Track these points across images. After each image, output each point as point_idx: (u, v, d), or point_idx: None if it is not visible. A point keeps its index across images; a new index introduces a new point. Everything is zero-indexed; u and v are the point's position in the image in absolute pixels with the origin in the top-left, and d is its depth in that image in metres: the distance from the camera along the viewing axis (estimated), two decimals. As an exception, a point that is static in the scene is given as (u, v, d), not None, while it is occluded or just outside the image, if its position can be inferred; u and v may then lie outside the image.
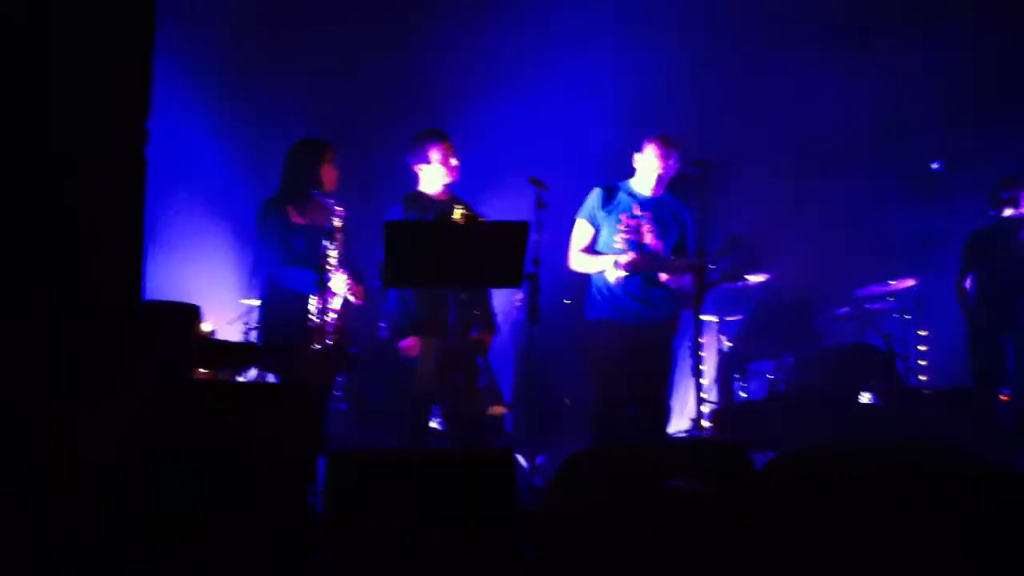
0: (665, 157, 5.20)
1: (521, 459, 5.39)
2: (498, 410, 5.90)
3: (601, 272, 5.22)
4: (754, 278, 7.00)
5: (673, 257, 5.23)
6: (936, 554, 2.85)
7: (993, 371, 6.00)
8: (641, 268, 5.10)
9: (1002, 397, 5.83)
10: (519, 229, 4.35)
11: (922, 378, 6.95)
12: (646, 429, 5.26)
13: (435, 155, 5.11)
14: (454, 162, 5.14)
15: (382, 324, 5.22)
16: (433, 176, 5.15)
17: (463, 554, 3.35)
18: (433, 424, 5.36)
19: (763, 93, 7.49)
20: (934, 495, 2.89)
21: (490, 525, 3.47)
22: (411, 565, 3.20)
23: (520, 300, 6.14)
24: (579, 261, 5.30)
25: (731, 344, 7.20)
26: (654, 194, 5.29)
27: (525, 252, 4.38)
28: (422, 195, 5.18)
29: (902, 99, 7.31)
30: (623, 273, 5.07)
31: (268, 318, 5.01)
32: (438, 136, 5.16)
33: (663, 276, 5.16)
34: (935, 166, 5.77)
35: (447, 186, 5.18)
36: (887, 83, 7.27)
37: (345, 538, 3.24)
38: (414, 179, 5.24)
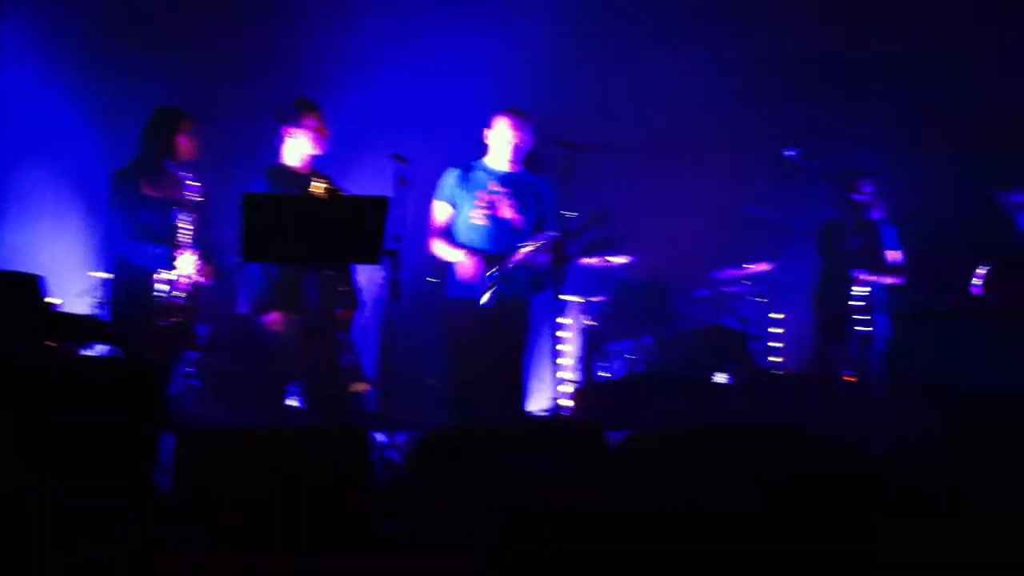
0: (518, 128, 5.24)
1: (381, 437, 5.35)
2: (360, 387, 5.84)
3: (462, 244, 5.24)
4: (617, 259, 7.11)
5: (524, 245, 5.23)
6: (778, 526, 2.97)
7: (839, 355, 6.22)
8: (485, 269, 5.13)
9: (846, 378, 6.05)
10: (379, 205, 4.30)
11: (775, 360, 7.16)
12: (505, 408, 5.29)
13: (309, 123, 5.05)
14: (325, 133, 5.07)
15: (241, 299, 5.11)
16: (300, 146, 5.07)
17: (315, 532, 3.31)
18: (292, 402, 5.27)
19: (632, 76, 7.57)
20: (777, 472, 3.00)
21: (343, 503, 3.43)
22: (259, 543, 3.14)
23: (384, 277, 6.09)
24: (437, 247, 5.32)
25: (593, 324, 7.29)
26: (511, 170, 5.32)
27: (384, 229, 4.33)
28: (285, 167, 5.08)
29: (766, 84, 7.47)
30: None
31: (116, 293, 4.87)
32: (312, 105, 5.10)
33: (519, 255, 5.17)
34: (790, 153, 5.91)
35: (311, 159, 5.09)
36: (751, 68, 7.41)
37: (192, 515, 3.17)
38: (276, 152, 5.13)
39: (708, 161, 7.38)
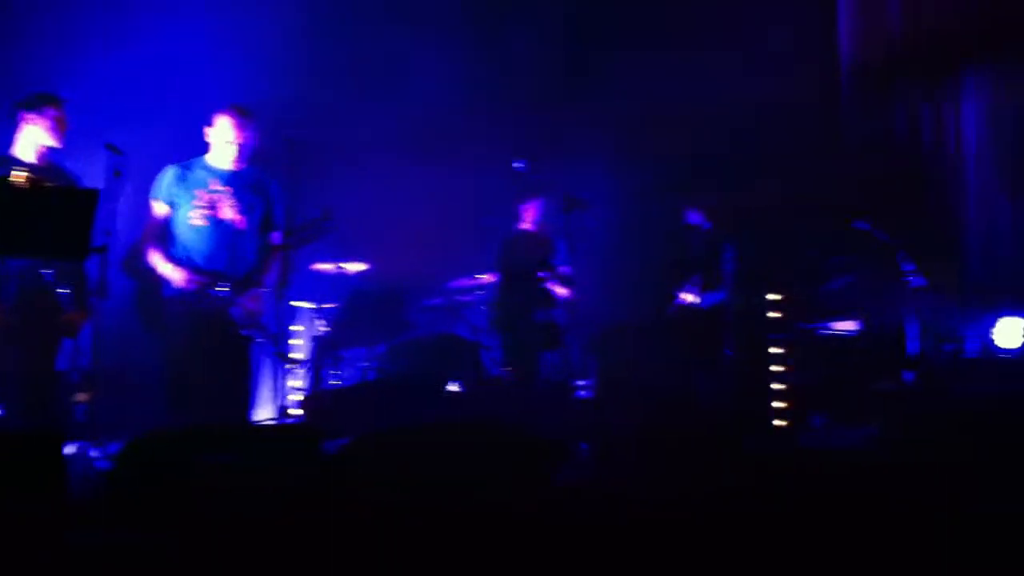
0: (241, 128, 5.09)
1: (92, 447, 5.06)
2: (83, 397, 5.51)
3: (181, 246, 5.03)
4: (351, 266, 7.05)
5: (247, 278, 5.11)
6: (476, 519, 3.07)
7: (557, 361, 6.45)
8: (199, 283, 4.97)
9: (564, 384, 6.25)
10: (87, 197, 4.07)
11: (508, 369, 7.29)
12: (226, 414, 5.12)
13: (48, 113, 4.86)
14: (64, 125, 4.89)
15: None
16: (36, 137, 4.85)
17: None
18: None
19: (369, 77, 7.49)
20: (473, 464, 3.11)
21: (36, 513, 3.24)
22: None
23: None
24: (151, 256, 5.08)
25: (326, 331, 7.19)
26: (234, 168, 5.16)
27: (92, 223, 4.11)
28: (14, 158, 4.80)
29: (507, 91, 7.61)
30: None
31: None
32: (54, 97, 4.92)
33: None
34: (518, 165, 6.04)
35: (47, 152, 4.83)
36: (490, 74, 7.52)
37: None
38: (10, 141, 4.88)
39: (442, 168, 7.43)
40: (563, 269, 6.64)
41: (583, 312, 6.08)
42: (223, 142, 5.10)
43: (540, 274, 6.31)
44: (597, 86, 7.62)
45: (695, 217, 6.79)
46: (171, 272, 4.99)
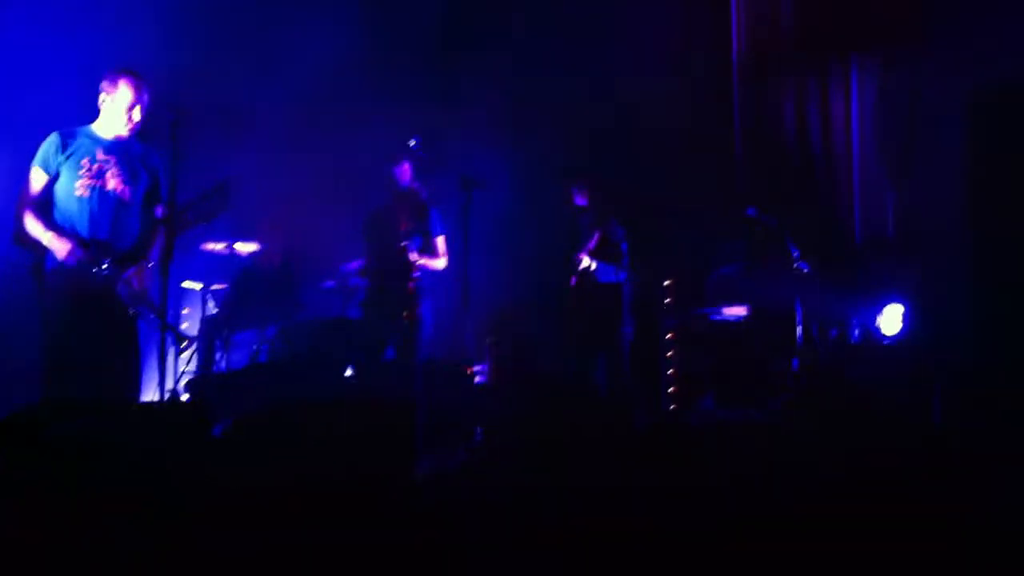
0: (138, 92, 4.90)
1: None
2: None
3: (62, 216, 4.85)
4: (243, 247, 6.90)
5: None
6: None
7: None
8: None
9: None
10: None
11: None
12: (113, 395, 4.93)
13: None
14: None
15: None
16: None
17: None
18: None
19: (256, 48, 7.32)
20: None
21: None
22: None
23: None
24: (31, 224, 4.84)
25: (216, 312, 7.03)
26: (120, 138, 4.97)
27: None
28: None
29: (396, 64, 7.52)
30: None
31: None
32: None
33: None
34: (412, 143, 5.97)
35: None
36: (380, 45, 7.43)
37: None
38: None
39: (335, 148, 7.33)
40: (437, 237, 6.61)
41: (478, 294, 6.04)
42: (120, 108, 4.89)
43: (400, 244, 6.25)
44: (489, 69, 7.61)
45: (580, 198, 6.83)
46: (52, 242, 4.78)
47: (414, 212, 6.50)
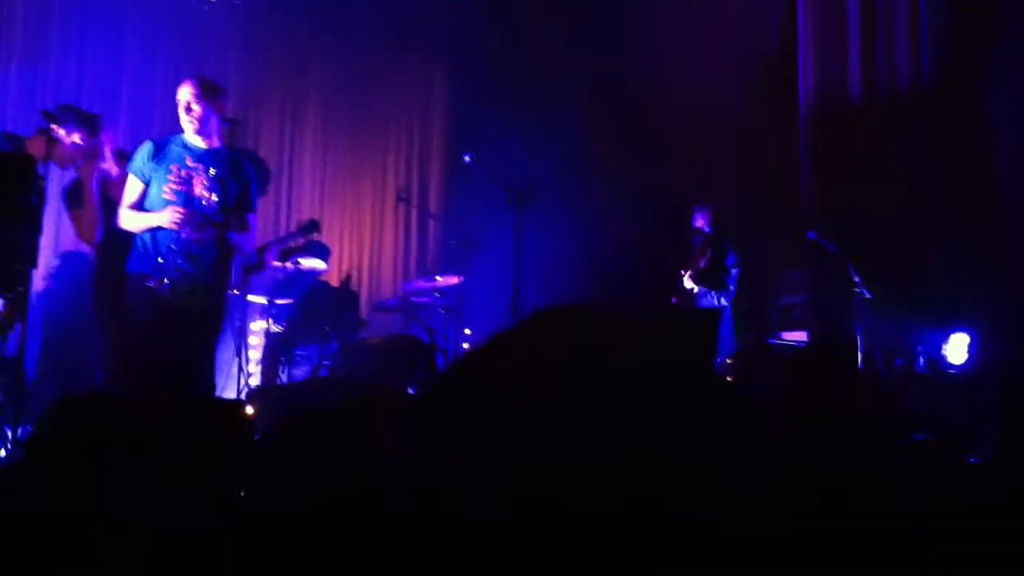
0: (197, 99, 5.01)
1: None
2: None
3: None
4: (309, 263, 7.03)
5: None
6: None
7: None
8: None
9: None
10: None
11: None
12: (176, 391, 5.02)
13: None
14: None
15: None
16: None
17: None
18: None
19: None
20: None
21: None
22: None
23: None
24: (127, 218, 5.01)
25: (280, 327, 7.16)
26: (211, 146, 5.11)
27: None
28: None
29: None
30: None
31: None
32: None
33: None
34: (467, 158, 5.99)
35: None
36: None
37: None
38: None
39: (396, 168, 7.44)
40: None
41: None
42: (181, 111, 5.04)
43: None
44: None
45: (701, 220, 6.87)
46: (154, 218, 4.92)
47: None
